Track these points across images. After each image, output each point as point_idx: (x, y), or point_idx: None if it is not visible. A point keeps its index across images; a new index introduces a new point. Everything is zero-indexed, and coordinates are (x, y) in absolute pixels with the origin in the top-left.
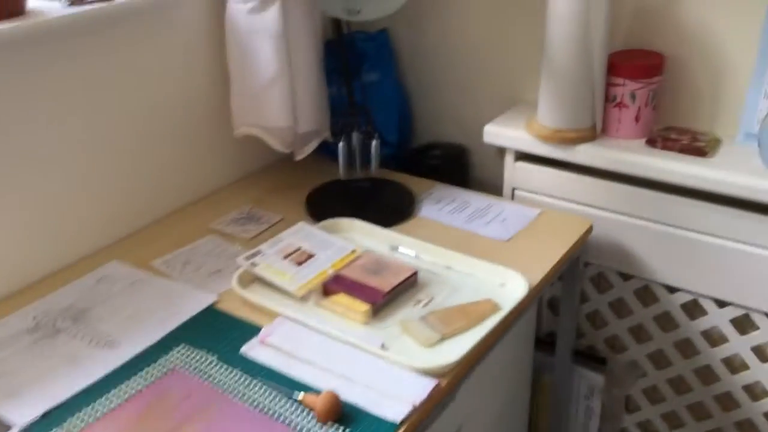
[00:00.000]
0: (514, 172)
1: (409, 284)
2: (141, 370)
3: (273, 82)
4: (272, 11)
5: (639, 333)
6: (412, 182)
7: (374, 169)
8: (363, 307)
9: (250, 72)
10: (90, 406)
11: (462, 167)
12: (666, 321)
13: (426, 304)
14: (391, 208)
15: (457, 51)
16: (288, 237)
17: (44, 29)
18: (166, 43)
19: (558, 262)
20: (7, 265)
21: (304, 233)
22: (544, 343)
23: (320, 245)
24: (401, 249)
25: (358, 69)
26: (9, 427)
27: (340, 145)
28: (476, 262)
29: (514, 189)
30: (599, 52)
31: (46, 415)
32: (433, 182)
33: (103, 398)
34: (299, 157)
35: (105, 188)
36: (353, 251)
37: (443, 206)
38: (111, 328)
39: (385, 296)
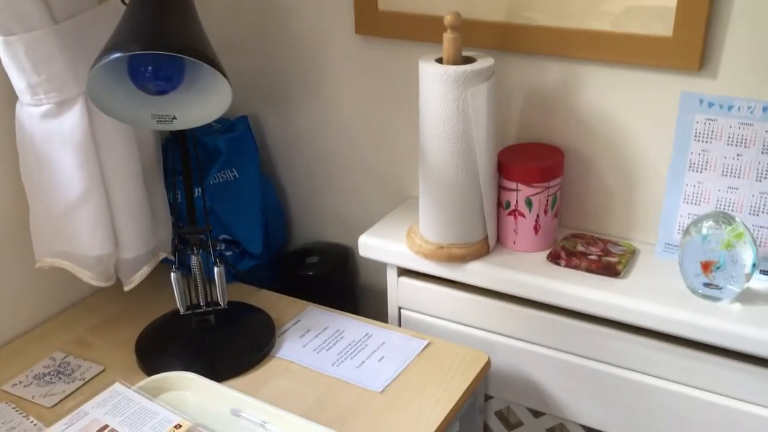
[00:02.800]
0: (399, 289)
1: None
2: None
3: (81, 201)
4: (72, 116)
5: None
6: (279, 304)
7: (222, 299)
8: None
9: (51, 190)
10: None
11: (346, 273)
12: None
13: None
14: (241, 350)
15: (333, 140)
16: (93, 410)
17: None
18: None
19: (444, 421)
20: None
21: (116, 401)
22: None
23: (136, 419)
24: (245, 414)
25: (208, 168)
26: None
27: (173, 276)
28: None
29: (400, 309)
30: (485, 152)
31: None
32: (304, 303)
33: None
34: (128, 287)
35: None
36: (177, 426)
37: (310, 339)
38: None
39: None
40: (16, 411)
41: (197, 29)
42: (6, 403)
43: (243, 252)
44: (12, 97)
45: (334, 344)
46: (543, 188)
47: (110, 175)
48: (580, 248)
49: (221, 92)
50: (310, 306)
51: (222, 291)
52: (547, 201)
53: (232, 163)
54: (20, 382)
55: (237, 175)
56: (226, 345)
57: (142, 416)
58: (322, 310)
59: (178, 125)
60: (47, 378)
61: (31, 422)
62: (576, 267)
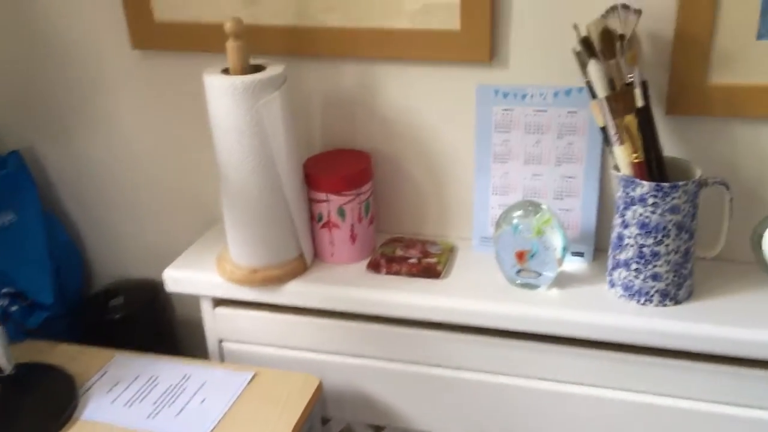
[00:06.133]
0: (216, 321)
1: None
2: None
3: None
4: None
5: None
6: (81, 358)
7: (7, 364)
8: None
9: None
10: None
11: (157, 311)
12: None
13: None
14: (36, 420)
15: (127, 166)
16: None
17: None
18: None
19: None
20: None
21: None
22: None
23: None
24: None
25: None
26: None
27: None
28: None
29: (221, 341)
30: (287, 165)
31: None
32: (110, 352)
33: None
34: None
35: None
36: None
37: (120, 393)
38: None
39: None
40: None
41: None
42: None
43: (32, 304)
44: None
45: (149, 393)
46: (354, 196)
47: None
48: (399, 252)
49: None
50: (117, 354)
51: (3, 354)
52: (360, 208)
53: (6, 206)
54: None
55: (14, 218)
56: (18, 417)
57: None
58: (132, 357)
59: None
60: None
61: None
62: (397, 273)
